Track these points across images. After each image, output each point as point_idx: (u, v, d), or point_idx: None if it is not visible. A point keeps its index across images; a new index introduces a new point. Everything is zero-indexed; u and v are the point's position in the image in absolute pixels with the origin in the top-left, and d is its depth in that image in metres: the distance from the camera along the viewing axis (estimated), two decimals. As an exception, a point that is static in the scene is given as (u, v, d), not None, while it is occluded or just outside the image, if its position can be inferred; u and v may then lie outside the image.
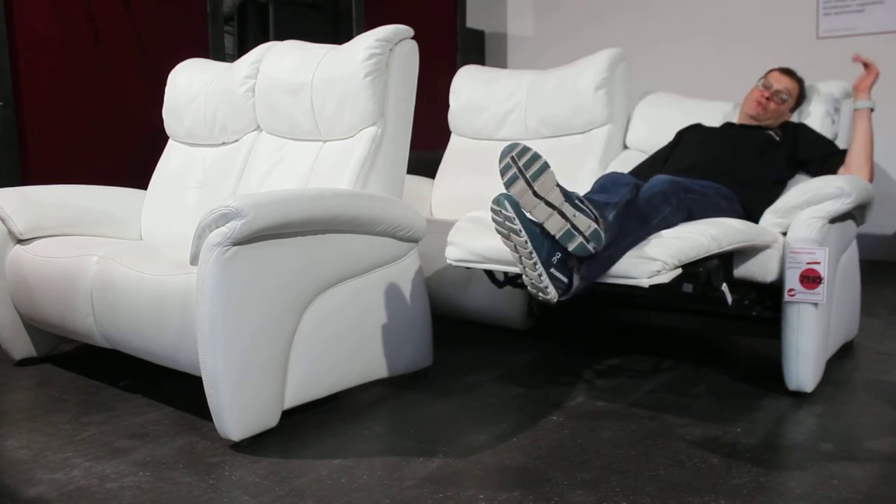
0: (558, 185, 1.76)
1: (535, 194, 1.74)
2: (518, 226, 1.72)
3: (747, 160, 2.51)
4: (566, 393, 2.23)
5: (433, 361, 2.40)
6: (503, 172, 1.75)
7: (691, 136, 2.75)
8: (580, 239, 1.74)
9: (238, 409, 1.82)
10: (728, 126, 2.74)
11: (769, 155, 2.54)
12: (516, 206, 1.73)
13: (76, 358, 2.70)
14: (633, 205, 1.94)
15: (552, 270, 1.78)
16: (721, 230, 1.99)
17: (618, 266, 1.85)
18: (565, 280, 1.80)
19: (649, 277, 1.80)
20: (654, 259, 1.82)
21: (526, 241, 1.73)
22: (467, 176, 3.42)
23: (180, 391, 2.25)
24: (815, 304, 2.09)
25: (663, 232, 1.95)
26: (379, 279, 2.18)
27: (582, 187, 2.82)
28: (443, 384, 2.35)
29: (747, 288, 2.25)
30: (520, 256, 1.77)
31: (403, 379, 2.35)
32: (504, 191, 1.76)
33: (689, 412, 2.06)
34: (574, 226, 1.74)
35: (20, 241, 2.53)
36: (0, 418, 2.12)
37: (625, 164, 2.93)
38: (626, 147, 3.15)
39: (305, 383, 1.98)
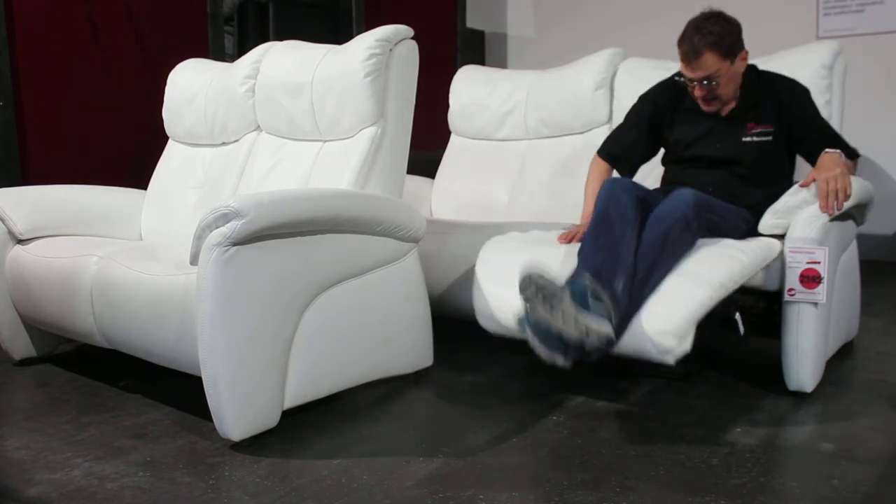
0: (572, 301, 1.81)
1: (552, 318, 1.81)
2: (537, 342, 1.83)
3: (751, 178, 2.35)
4: (566, 393, 2.23)
5: (433, 361, 2.40)
6: (521, 291, 1.84)
7: (679, 142, 2.44)
8: (595, 342, 1.83)
9: (238, 410, 1.82)
10: (709, 122, 2.38)
11: (771, 164, 2.36)
12: (534, 325, 1.82)
13: (76, 358, 2.70)
14: (647, 246, 1.99)
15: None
16: (728, 274, 1.97)
17: (632, 342, 1.91)
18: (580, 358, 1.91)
19: (668, 355, 1.88)
20: (666, 332, 1.86)
21: (546, 349, 1.83)
22: (467, 176, 3.42)
23: (180, 391, 2.25)
24: (815, 304, 2.09)
25: (671, 291, 1.94)
26: (379, 279, 2.18)
27: (581, 186, 2.83)
28: (443, 384, 2.35)
29: (756, 298, 2.24)
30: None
31: (403, 379, 2.35)
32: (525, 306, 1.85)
33: (690, 412, 2.06)
34: (588, 331, 1.81)
35: (20, 241, 2.53)
36: (0, 418, 2.12)
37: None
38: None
39: (305, 383, 1.98)
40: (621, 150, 2.52)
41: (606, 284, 1.89)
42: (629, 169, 2.55)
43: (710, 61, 2.21)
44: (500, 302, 2.19)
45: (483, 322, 2.23)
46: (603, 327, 1.82)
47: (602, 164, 2.56)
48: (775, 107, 2.33)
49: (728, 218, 2.23)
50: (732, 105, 2.35)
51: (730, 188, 2.33)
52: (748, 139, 2.33)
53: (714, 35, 2.20)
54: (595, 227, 2.05)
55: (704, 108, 2.34)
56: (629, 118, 2.56)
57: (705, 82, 2.25)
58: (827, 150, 2.21)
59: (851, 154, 2.35)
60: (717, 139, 2.37)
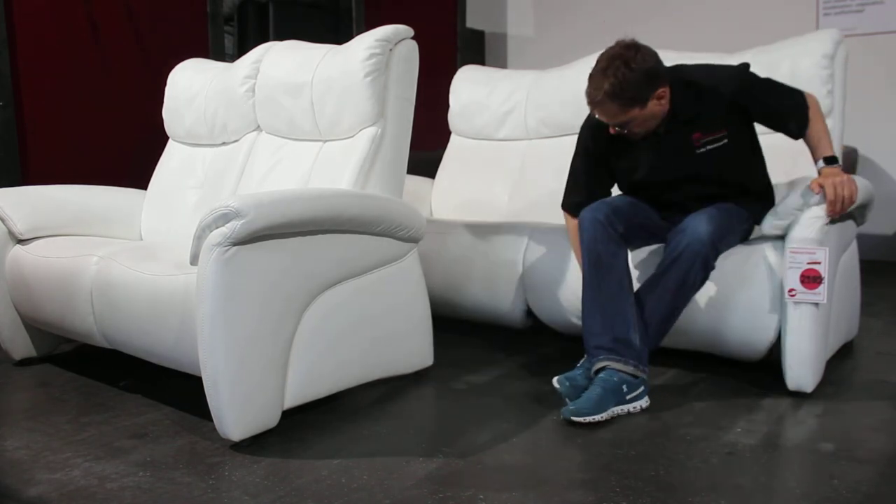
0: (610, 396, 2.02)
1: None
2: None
3: (716, 182, 2.24)
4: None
5: (433, 361, 2.40)
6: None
7: (630, 170, 2.29)
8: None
9: (238, 409, 1.82)
10: (651, 143, 2.20)
11: (734, 163, 2.22)
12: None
13: (76, 358, 2.70)
14: (664, 289, 2.09)
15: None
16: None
17: None
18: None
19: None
20: None
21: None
22: (467, 176, 3.42)
23: (180, 391, 2.25)
24: (816, 304, 2.09)
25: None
26: (379, 279, 2.18)
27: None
28: (443, 384, 2.34)
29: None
30: None
31: (403, 379, 2.35)
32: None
33: (689, 412, 2.06)
34: (630, 412, 2.06)
35: (20, 241, 2.53)
36: (0, 418, 2.12)
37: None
38: None
39: (305, 383, 1.98)
40: (584, 198, 2.33)
41: (626, 347, 2.06)
42: None
43: (613, 110, 2.06)
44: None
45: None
46: (641, 403, 2.08)
47: (572, 219, 2.38)
48: (722, 111, 2.16)
49: (737, 230, 2.23)
50: (663, 125, 2.17)
51: (702, 197, 2.24)
52: (702, 150, 2.18)
53: (614, 85, 2.00)
54: (590, 280, 2.13)
55: (631, 137, 2.17)
56: (575, 164, 2.41)
57: (617, 127, 2.12)
58: (825, 166, 2.11)
59: (801, 95, 2.20)
60: (668, 159, 2.21)
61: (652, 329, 2.12)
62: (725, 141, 2.18)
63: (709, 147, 2.18)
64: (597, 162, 2.34)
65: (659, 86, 2.07)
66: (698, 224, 2.08)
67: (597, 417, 1.97)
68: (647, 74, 2.02)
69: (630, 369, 2.04)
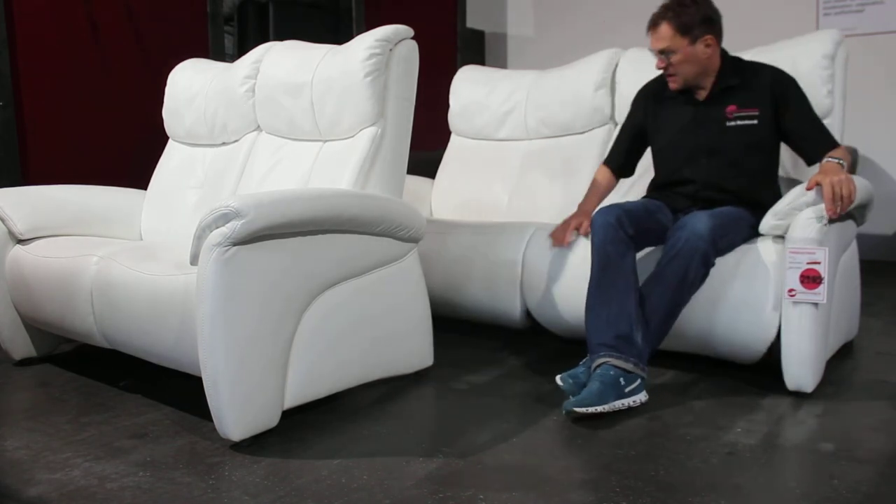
0: (608, 391, 2.04)
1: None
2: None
3: (734, 165, 2.36)
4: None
5: (433, 361, 2.41)
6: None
7: (662, 135, 2.50)
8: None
9: (238, 410, 1.82)
10: (689, 109, 2.43)
11: (755, 148, 2.35)
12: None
13: (76, 358, 2.71)
14: (666, 286, 2.11)
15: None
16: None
17: None
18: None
19: None
20: None
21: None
22: (467, 176, 3.42)
23: (180, 391, 2.25)
24: (815, 304, 2.09)
25: None
26: (379, 279, 2.18)
27: (581, 187, 2.84)
28: (443, 384, 2.34)
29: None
30: None
31: (403, 379, 2.35)
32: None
33: (689, 412, 2.06)
34: (629, 406, 2.08)
35: (20, 241, 2.54)
36: (0, 418, 2.12)
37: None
38: (616, 123, 3.10)
39: (305, 383, 1.98)
40: (616, 161, 2.68)
41: (627, 344, 2.08)
42: (629, 171, 2.70)
43: (665, 34, 2.30)
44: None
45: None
46: (640, 397, 2.09)
47: (604, 169, 2.70)
48: (760, 91, 2.34)
49: (738, 229, 2.25)
50: (707, 90, 2.39)
51: (716, 177, 2.37)
52: (731, 124, 2.35)
53: (674, 11, 2.30)
54: (598, 280, 2.17)
55: (670, 84, 2.40)
56: (623, 126, 2.69)
57: (662, 54, 2.34)
58: (829, 158, 2.19)
59: (836, 143, 2.32)
60: (697, 125, 2.40)
61: (654, 326, 2.12)
62: (756, 122, 2.33)
63: (738, 122, 2.35)
64: (637, 129, 2.60)
65: (711, 31, 2.31)
66: (697, 221, 2.12)
67: (599, 409, 1.99)
68: (705, 15, 2.30)
69: (629, 367, 2.06)
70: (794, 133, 2.34)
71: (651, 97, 2.56)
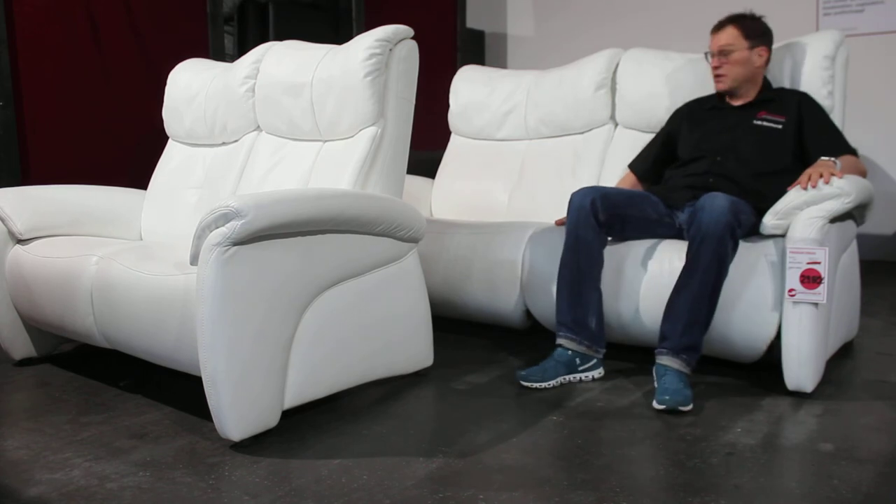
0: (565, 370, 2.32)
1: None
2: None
3: (753, 164, 2.43)
4: (566, 393, 2.23)
5: (433, 361, 2.41)
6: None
7: (689, 138, 2.61)
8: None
9: (238, 410, 1.82)
10: (721, 114, 2.58)
11: (773, 150, 2.44)
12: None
13: (76, 358, 2.71)
14: (704, 270, 2.13)
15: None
16: None
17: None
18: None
19: None
20: None
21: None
22: (467, 176, 3.42)
23: (180, 391, 2.25)
24: (815, 304, 2.09)
25: None
26: (379, 279, 2.18)
27: (581, 187, 2.83)
28: (443, 384, 2.35)
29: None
30: None
31: (403, 379, 2.35)
32: None
33: (689, 412, 2.06)
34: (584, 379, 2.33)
35: (20, 241, 2.53)
36: (0, 418, 2.12)
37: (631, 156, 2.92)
38: (616, 123, 3.12)
39: (305, 383, 1.98)
40: (642, 165, 2.81)
41: (582, 327, 2.30)
42: (653, 178, 2.78)
43: (730, 33, 2.48)
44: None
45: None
46: (594, 373, 2.35)
47: (630, 174, 2.84)
48: (789, 105, 2.48)
49: (747, 213, 2.26)
50: (745, 99, 2.54)
51: (729, 169, 2.43)
52: (758, 123, 2.49)
53: (742, 18, 2.50)
54: (565, 260, 2.34)
55: (716, 83, 2.53)
56: (657, 133, 2.83)
57: (720, 54, 2.49)
58: (822, 158, 2.28)
59: (851, 153, 2.43)
60: (726, 125, 2.53)
61: (703, 311, 2.14)
62: (781, 126, 2.45)
63: (765, 123, 2.49)
64: (667, 136, 2.74)
65: (767, 44, 2.51)
66: (714, 198, 2.18)
67: (544, 385, 2.26)
68: (766, 30, 2.52)
69: (583, 349, 2.31)
70: (811, 139, 2.43)
71: (692, 108, 2.71)
